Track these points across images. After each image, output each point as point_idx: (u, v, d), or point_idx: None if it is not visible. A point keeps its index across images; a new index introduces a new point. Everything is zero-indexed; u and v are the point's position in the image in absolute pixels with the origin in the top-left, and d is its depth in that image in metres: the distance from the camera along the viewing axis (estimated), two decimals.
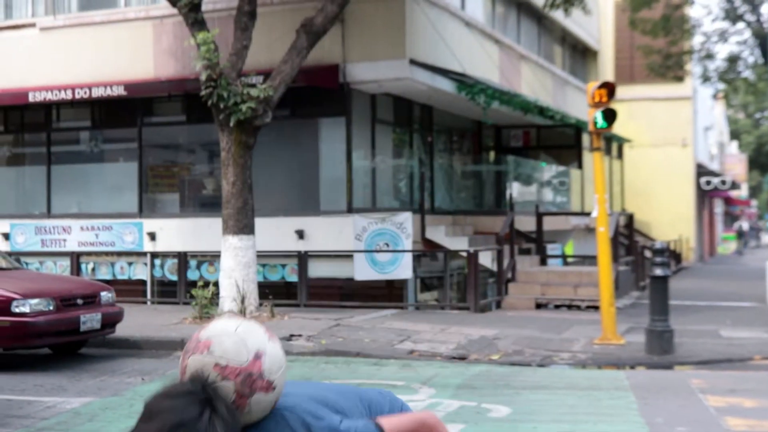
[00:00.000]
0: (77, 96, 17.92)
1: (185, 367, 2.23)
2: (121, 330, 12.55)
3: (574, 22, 27.81)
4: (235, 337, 2.25)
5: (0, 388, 9.75)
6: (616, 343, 12.25)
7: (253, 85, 14.32)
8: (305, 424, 2.37)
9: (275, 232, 16.52)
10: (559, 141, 24.96)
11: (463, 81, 18.00)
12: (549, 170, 26.12)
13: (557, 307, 16.68)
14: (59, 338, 11.46)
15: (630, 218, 22.81)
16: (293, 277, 16.56)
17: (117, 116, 19.00)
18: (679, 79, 28.50)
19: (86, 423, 7.93)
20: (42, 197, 19.41)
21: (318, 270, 16.66)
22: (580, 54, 32.06)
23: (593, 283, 15.34)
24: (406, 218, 16.34)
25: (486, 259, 17.51)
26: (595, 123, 12.37)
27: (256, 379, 2.24)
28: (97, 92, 17.71)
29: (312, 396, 2.49)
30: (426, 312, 16.30)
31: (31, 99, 18.32)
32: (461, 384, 9.77)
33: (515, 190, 24.15)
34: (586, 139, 23.42)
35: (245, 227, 14.13)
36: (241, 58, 14.28)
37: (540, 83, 24.43)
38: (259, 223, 15.11)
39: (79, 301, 11.55)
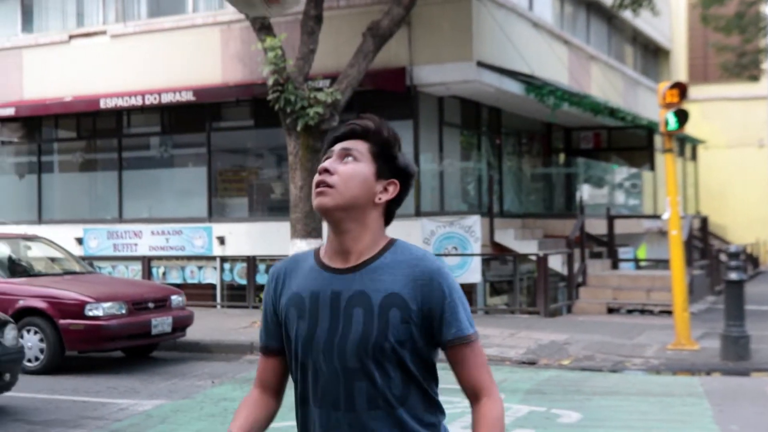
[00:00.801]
0: (147, 102, 18.27)
1: None
2: (192, 333, 12.76)
3: (645, 22, 27.47)
4: None
5: (75, 389, 10.01)
6: (690, 348, 12.08)
7: (320, 89, 14.46)
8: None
9: None
10: (631, 143, 24.67)
11: (531, 83, 17.93)
12: (620, 172, 25.87)
13: (629, 311, 16.50)
14: (131, 341, 11.71)
15: (704, 221, 22.44)
16: None
17: (186, 121, 19.32)
18: (755, 78, 27.98)
19: (158, 425, 8.10)
20: (114, 202, 19.82)
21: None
22: (652, 53, 31.68)
23: (666, 287, 15.14)
24: (475, 222, 16.33)
25: (556, 263, 17.42)
26: (667, 124, 12.23)
27: None
28: (166, 98, 18.04)
29: None
30: (495, 316, 16.27)
31: (102, 106, 18.71)
32: (531, 389, 9.75)
33: (586, 192, 23.97)
34: (658, 140, 23.08)
35: (313, 231, 14.26)
36: (307, 62, 14.42)
37: (610, 84, 24.19)
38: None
39: (151, 305, 11.79)
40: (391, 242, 2.41)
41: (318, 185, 2.35)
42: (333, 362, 2.30)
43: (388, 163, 2.39)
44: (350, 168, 2.34)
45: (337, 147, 2.39)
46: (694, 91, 32.47)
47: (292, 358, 2.41)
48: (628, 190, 26.41)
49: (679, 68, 33.13)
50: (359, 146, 2.37)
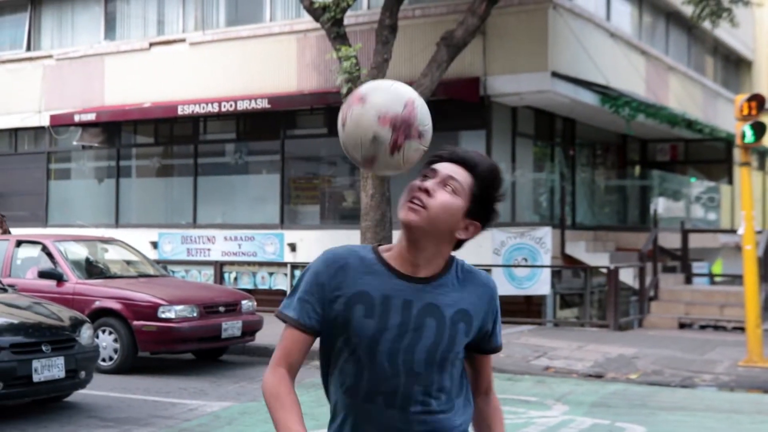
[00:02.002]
0: (223, 109, 18.66)
1: (345, 118, 2.42)
2: (261, 338, 13.03)
3: (726, 32, 27.10)
4: (391, 90, 2.44)
5: (147, 389, 10.33)
6: (762, 365, 11.95)
7: None
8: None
9: None
10: (709, 155, 24.39)
11: (606, 93, 17.89)
12: (698, 186, 25.56)
13: (702, 327, 16.34)
14: (202, 344, 12.03)
15: None
16: None
17: (261, 128, 19.69)
18: None
19: (225, 426, 8.34)
20: (188, 207, 20.27)
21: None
22: (733, 65, 31.23)
23: (740, 303, 14.94)
24: (546, 233, 16.35)
25: (628, 277, 17.33)
26: (743, 137, 12.14)
27: (410, 125, 2.41)
28: (242, 105, 18.40)
29: None
30: (564, 329, 16.25)
31: (180, 112, 19.16)
32: (596, 402, 9.77)
33: (661, 205, 23.73)
34: (737, 153, 22.82)
35: (383, 239, 14.44)
36: (381, 71, 14.62)
37: (689, 95, 23.95)
38: (397, 236, 15.38)
39: (221, 309, 12.08)
40: (452, 259, 2.57)
41: (412, 200, 2.45)
42: (397, 364, 2.45)
43: (480, 206, 2.50)
44: (448, 199, 2.45)
45: (444, 170, 2.48)
46: None
47: (345, 349, 2.50)
48: (706, 204, 26.07)
49: (762, 79, 32.55)
50: (464, 179, 2.48)
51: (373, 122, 2.38)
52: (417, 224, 2.44)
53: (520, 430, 8.22)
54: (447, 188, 2.45)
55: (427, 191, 2.45)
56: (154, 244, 19.68)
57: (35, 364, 8.45)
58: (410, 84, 14.89)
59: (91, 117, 20.45)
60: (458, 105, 16.87)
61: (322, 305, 2.50)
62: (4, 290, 10.07)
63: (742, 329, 14.16)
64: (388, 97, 2.40)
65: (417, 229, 2.46)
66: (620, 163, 23.25)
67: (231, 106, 18.54)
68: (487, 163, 2.53)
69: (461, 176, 2.47)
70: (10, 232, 17.25)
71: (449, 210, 2.45)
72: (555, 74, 16.54)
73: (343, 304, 2.49)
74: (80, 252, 13.20)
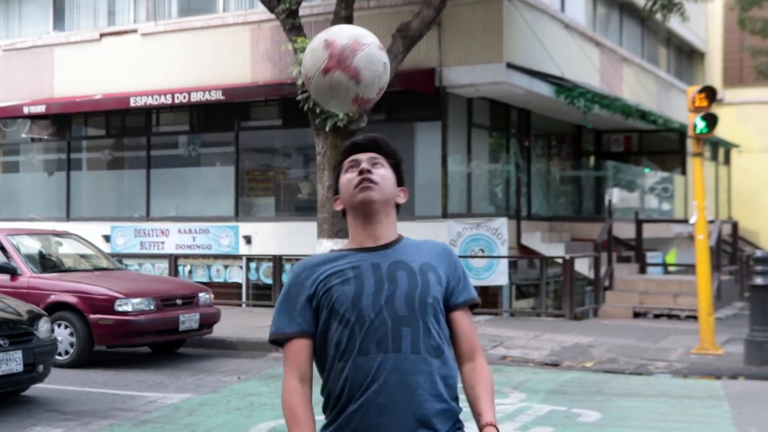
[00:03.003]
0: (176, 101, 18.71)
1: (356, 70, 2.76)
2: (218, 331, 13.17)
3: (679, 24, 27.61)
4: (378, 75, 2.80)
5: (105, 383, 10.44)
6: (714, 353, 12.35)
7: None
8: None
9: None
10: (663, 146, 24.91)
11: (561, 85, 18.22)
12: (652, 176, 26.05)
13: (657, 316, 16.76)
14: (159, 337, 12.14)
15: (735, 226, 22.61)
16: None
17: (215, 120, 19.76)
18: None
19: (186, 417, 8.49)
20: (141, 200, 20.29)
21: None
22: (687, 56, 31.82)
23: (693, 292, 15.35)
24: (502, 224, 16.64)
25: (583, 267, 17.70)
26: (695, 128, 12.51)
27: (346, 57, 2.73)
28: (195, 97, 18.46)
29: None
30: (520, 319, 16.57)
31: (132, 104, 19.17)
32: (552, 389, 10.06)
33: (615, 196, 24.19)
34: (690, 144, 23.35)
35: (340, 231, 14.62)
36: None
37: (643, 86, 24.41)
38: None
39: (179, 302, 12.21)
40: (401, 236, 2.93)
41: (362, 182, 2.80)
42: (382, 312, 2.71)
43: (398, 174, 2.92)
44: (384, 171, 2.86)
45: (365, 155, 2.86)
46: (729, 95, 32.59)
47: (333, 321, 2.75)
48: (660, 195, 26.57)
49: (714, 71, 33.23)
50: (381, 158, 2.88)
51: (347, 100, 2.80)
52: (377, 198, 2.80)
53: (506, 421, 8.46)
54: (377, 166, 2.85)
55: (369, 171, 2.82)
56: (107, 238, 19.69)
57: None
58: None
59: (40, 109, 20.38)
60: (414, 96, 17.09)
61: (309, 302, 2.79)
62: None
63: (694, 318, 14.59)
64: (344, 30, 2.79)
65: (376, 204, 2.82)
66: (575, 154, 23.65)
67: (184, 97, 18.59)
68: (383, 139, 2.94)
69: (378, 156, 2.88)
70: None
71: (389, 179, 2.86)
72: (510, 65, 16.81)
73: (322, 288, 2.77)
74: (34, 246, 13.22)
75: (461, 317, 2.88)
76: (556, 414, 8.68)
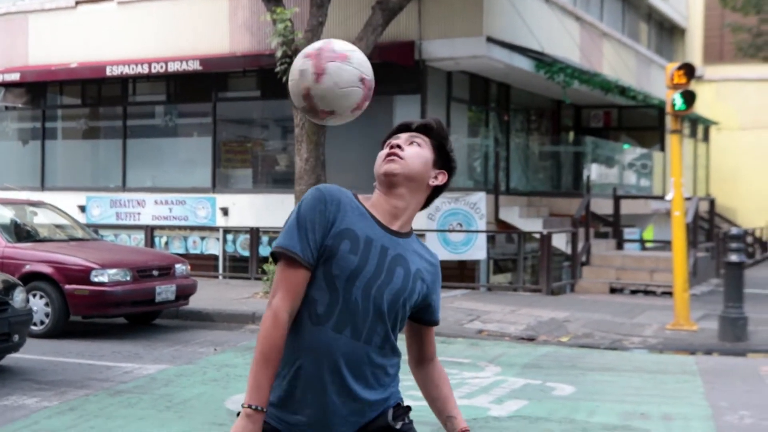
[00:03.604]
0: (153, 70, 18.66)
1: (323, 70, 2.76)
2: (194, 302, 13.23)
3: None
4: (293, 83, 2.80)
5: (80, 353, 10.49)
6: (688, 329, 12.53)
7: None
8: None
9: None
10: (642, 122, 25.07)
11: (541, 60, 18.29)
12: (631, 152, 26.22)
13: (633, 292, 16.94)
14: (135, 308, 12.18)
15: (712, 203, 22.85)
16: None
17: (192, 91, 19.72)
18: None
19: (162, 387, 8.57)
20: (117, 171, 20.26)
21: None
22: (667, 32, 31.94)
23: (670, 268, 15.54)
24: (480, 198, 16.74)
25: (560, 242, 17.85)
26: (674, 105, 12.62)
27: (328, 49, 2.78)
28: (173, 67, 18.42)
29: None
30: (497, 293, 16.72)
31: (108, 73, 19.12)
32: (528, 363, 10.20)
33: (594, 172, 24.33)
34: (669, 121, 23.51)
35: None
36: (316, 34, 14.77)
37: (623, 62, 24.52)
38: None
39: (155, 273, 12.24)
40: (412, 229, 2.97)
41: (389, 155, 2.87)
42: (369, 301, 2.76)
43: (442, 157, 2.94)
44: (416, 149, 2.89)
45: (406, 134, 2.93)
46: (709, 71, 32.78)
47: (320, 281, 2.75)
48: (639, 171, 26.74)
49: (695, 47, 33.39)
50: (423, 137, 2.93)
51: (300, 60, 2.79)
52: (398, 172, 2.84)
53: (453, 390, 8.59)
54: (413, 144, 2.90)
55: (399, 147, 2.88)
56: (82, 208, 19.66)
57: None
58: None
59: (14, 77, 20.28)
60: (393, 69, 17.10)
61: (323, 236, 2.76)
62: None
63: (670, 294, 14.77)
64: (292, 91, 2.81)
65: (397, 177, 2.85)
66: (554, 129, 23.77)
67: (161, 67, 18.55)
68: (434, 120, 2.98)
69: (420, 136, 2.93)
70: None
71: (420, 157, 2.88)
72: (490, 39, 16.87)
73: (334, 236, 2.76)
74: (8, 215, 13.20)
75: (430, 330, 3.05)
76: (531, 387, 8.81)
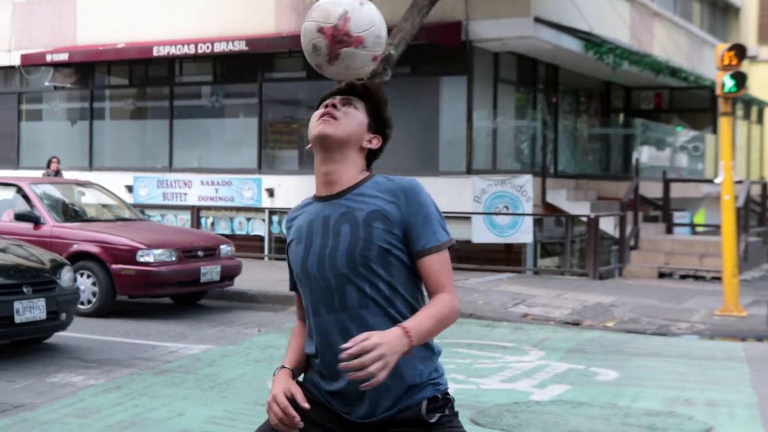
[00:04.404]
0: (200, 51, 18.83)
1: (336, 55, 2.79)
2: (239, 283, 13.39)
3: None
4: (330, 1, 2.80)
5: (126, 332, 10.70)
6: (737, 314, 12.46)
7: None
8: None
9: None
10: (694, 104, 24.81)
11: (590, 40, 18.18)
12: (682, 135, 25.97)
13: (683, 277, 16.85)
14: (180, 288, 12.38)
15: (764, 187, 22.56)
16: None
17: (238, 71, 19.89)
18: None
19: (206, 367, 8.72)
20: (164, 151, 20.50)
21: None
22: (721, 11, 31.52)
23: (720, 253, 15.44)
24: (527, 181, 16.72)
25: (608, 226, 17.77)
26: (723, 87, 12.51)
27: (345, 32, 2.75)
28: (219, 47, 18.58)
29: None
30: (544, 277, 16.71)
31: (155, 53, 19.32)
32: (571, 348, 10.22)
33: (644, 154, 24.16)
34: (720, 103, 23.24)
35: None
36: None
37: (674, 43, 24.27)
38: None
39: (200, 253, 12.41)
40: (371, 176, 2.91)
41: (324, 115, 2.87)
42: (325, 272, 2.80)
43: (377, 121, 2.94)
44: (352, 111, 2.89)
45: (339, 97, 2.92)
46: (764, 52, 32.28)
47: (298, 284, 2.95)
48: (691, 153, 26.50)
49: (749, 27, 32.90)
50: (358, 100, 2.93)
51: (313, 33, 2.77)
52: (332, 134, 2.83)
53: (495, 374, 8.65)
54: (348, 106, 2.89)
55: (335, 107, 2.87)
56: (129, 188, 19.93)
57: (17, 305, 8.77)
58: (390, 30, 15.17)
59: (63, 57, 20.56)
60: (440, 50, 17.13)
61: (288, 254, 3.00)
62: None
63: (720, 279, 14.66)
64: (326, 9, 2.75)
65: (332, 139, 2.83)
66: (603, 110, 23.62)
67: (207, 47, 18.71)
68: (373, 85, 3.00)
69: (355, 99, 2.92)
70: (62, 175, 18.06)
71: (355, 119, 2.88)
72: (538, 20, 16.80)
73: (288, 247, 2.98)
74: (57, 195, 13.45)
75: (427, 263, 2.80)
76: (574, 372, 8.84)
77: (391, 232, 2.77)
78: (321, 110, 2.88)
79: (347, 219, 2.80)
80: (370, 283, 2.76)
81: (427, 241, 2.79)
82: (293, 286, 3.02)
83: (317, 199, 2.91)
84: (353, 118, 2.88)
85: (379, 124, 2.95)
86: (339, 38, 2.74)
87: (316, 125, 2.86)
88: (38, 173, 18.56)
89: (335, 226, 2.81)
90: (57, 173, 18.60)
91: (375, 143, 2.93)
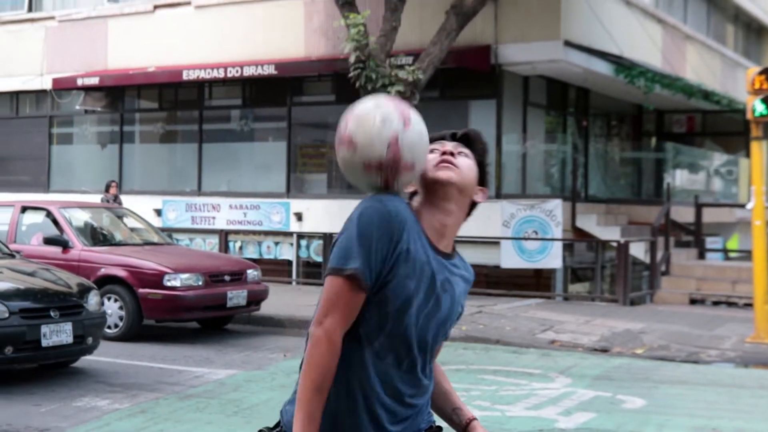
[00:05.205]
0: (229, 74, 19.04)
1: (340, 156, 2.67)
2: (266, 308, 13.49)
3: None
4: (374, 131, 2.60)
5: (153, 356, 10.82)
6: None
7: (402, 67, 15.00)
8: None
9: None
10: (727, 128, 24.73)
11: (620, 63, 18.21)
12: (715, 158, 25.87)
13: (715, 303, 16.75)
14: (207, 313, 12.50)
15: None
16: None
17: (267, 95, 20.07)
18: None
19: (231, 392, 8.81)
20: (193, 175, 20.71)
21: (463, 256, 17.12)
22: (755, 33, 31.42)
23: (753, 279, 15.38)
24: (556, 205, 16.72)
25: (639, 251, 17.72)
26: (754, 111, 12.50)
27: (397, 163, 2.60)
28: (248, 71, 18.77)
29: None
30: (573, 303, 16.69)
31: (184, 77, 19.55)
32: (599, 375, 10.22)
33: (677, 178, 24.08)
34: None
35: None
36: (390, 39, 14.98)
37: (707, 65, 24.22)
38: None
39: (227, 278, 12.54)
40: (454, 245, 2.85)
41: (444, 162, 2.71)
42: (415, 330, 2.66)
43: (482, 173, 2.83)
44: (467, 161, 2.77)
45: (450, 143, 2.77)
46: None
47: (375, 304, 2.61)
48: (724, 177, 26.38)
49: None
50: (467, 150, 2.80)
51: (360, 170, 2.62)
52: (455, 180, 2.70)
53: (521, 401, 8.67)
54: (461, 155, 2.76)
55: (453, 154, 2.73)
56: (158, 212, 20.12)
57: (44, 329, 8.92)
58: (418, 54, 15.30)
59: (94, 81, 20.85)
60: (468, 74, 17.21)
61: (384, 258, 2.59)
62: (11, 256, 10.54)
63: (753, 305, 14.58)
64: (371, 140, 2.58)
65: (453, 187, 2.71)
66: (635, 134, 23.59)
67: (237, 71, 18.91)
68: (476, 132, 2.85)
69: (464, 147, 2.80)
70: (120, 199, 18.21)
71: (473, 170, 2.77)
72: (568, 43, 16.86)
73: (396, 258, 2.60)
74: (85, 219, 13.64)
75: None
76: (600, 400, 8.85)
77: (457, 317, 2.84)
78: (437, 156, 2.72)
79: (448, 290, 2.72)
80: (432, 358, 2.79)
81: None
82: (367, 284, 2.58)
83: (428, 240, 2.69)
84: (471, 168, 2.77)
85: (483, 175, 2.84)
86: (391, 169, 2.61)
87: (435, 169, 2.70)
88: (68, 196, 18.81)
89: (440, 290, 2.69)
90: (116, 198, 18.68)
91: (481, 197, 2.83)
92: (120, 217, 14.37)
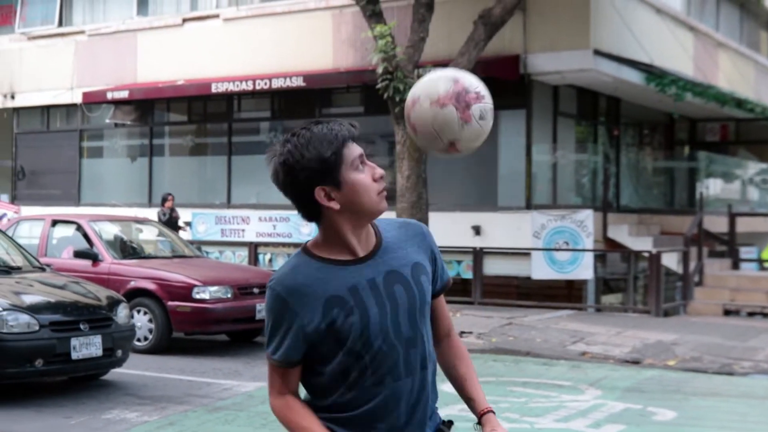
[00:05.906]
0: (258, 87, 19.19)
1: (413, 125, 2.78)
2: None
3: None
4: (430, 76, 2.75)
5: (182, 369, 10.93)
6: None
7: None
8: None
9: (451, 228, 17.19)
10: (762, 135, 24.55)
11: (651, 72, 18.17)
12: (750, 167, 25.71)
13: (750, 314, 16.65)
14: (236, 325, 12.60)
15: None
16: (468, 274, 17.18)
17: (296, 107, 20.20)
18: None
19: (259, 405, 8.89)
20: (223, 187, 20.87)
21: (494, 267, 17.23)
22: None
23: None
24: (587, 216, 16.70)
25: (671, 261, 17.65)
26: None
27: (467, 92, 2.72)
28: (276, 83, 18.90)
29: None
30: (604, 314, 16.65)
31: (213, 90, 19.72)
32: (629, 387, 10.21)
33: (710, 188, 23.95)
34: None
35: (420, 221, 14.85)
36: (417, 50, 15.04)
37: (740, 73, 24.10)
38: (434, 217, 15.85)
39: (256, 290, 12.63)
40: (375, 225, 2.80)
41: (383, 192, 2.72)
42: (390, 339, 2.67)
43: None
44: None
45: (370, 161, 2.76)
46: None
47: (338, 353, 2.67)
48: (759, 186, 26.20)
49: None
50: None
51: (430, 110, 2.71)
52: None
53: (550, 413, 8.69)
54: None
55: (382, 177, 2.73)
56: (188, 224, 20.25)
57: (74, 341, 9.06)
58: (446, 64, 15.35)
59: (123, 94, 21.07)
60: (497, 83, 17.12)
61: (302, 331, 2.67)
62: (42, 269, 10.69)
63: None
64: (431, 83, 2.73)
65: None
66: (667, 143, 23.50)
67: (265, 83, 19.05)
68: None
69: None
70: (177, 213, 18.15)
71: None
72: (597, 52, 16.85)
73: (319, 320, 2.65)
74: (115, 232, 13.80)
75: (440, 303, 2.93)
76: (631, 412, 8.84)
77: (430, 281, 2.80)
78: (377, 185, 2.70)
79: (396, 279, 2.72)
80: (422, 339, 2.75)
81: (443, 280, 2.89)
82: (294, 362, 2.73)
83: (344, 263, 2.70)
84: None
85: None
86: (463, 98, 2.72)
87: (379, 200, 2.69)
88: (99, 210, 18.99)
89: (386, 286, 2.70)
90: (173, 211, 18.56)
91: None
92: (149, 230, 14.52)
